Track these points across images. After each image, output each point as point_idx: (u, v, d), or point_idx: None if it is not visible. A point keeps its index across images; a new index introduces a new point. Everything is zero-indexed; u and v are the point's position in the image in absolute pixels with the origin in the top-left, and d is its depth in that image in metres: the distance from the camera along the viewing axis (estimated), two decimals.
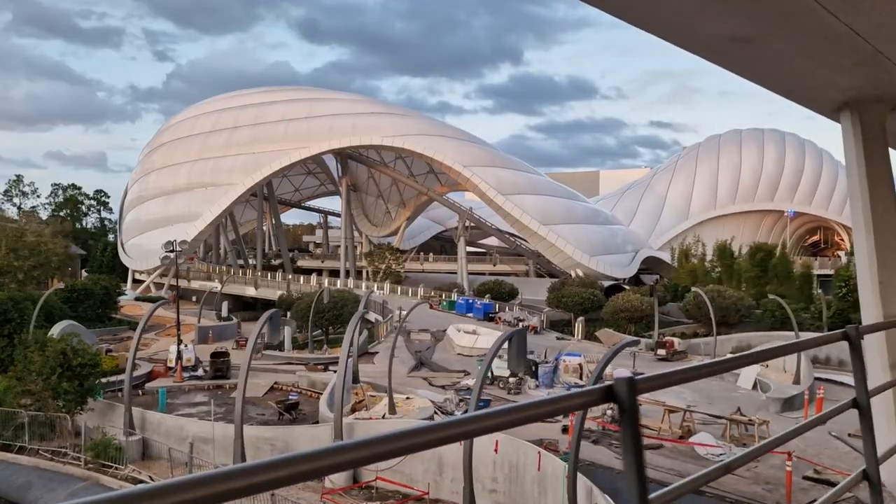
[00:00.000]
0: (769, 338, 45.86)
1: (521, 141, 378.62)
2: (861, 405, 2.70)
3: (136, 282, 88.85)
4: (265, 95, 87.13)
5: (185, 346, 37.48)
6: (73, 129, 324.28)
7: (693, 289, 43.50)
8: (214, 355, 35.88)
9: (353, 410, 27.69)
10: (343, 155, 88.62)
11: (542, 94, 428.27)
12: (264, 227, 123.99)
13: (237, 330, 59.63)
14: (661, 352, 43.63)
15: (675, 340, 44.29)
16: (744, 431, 25.49)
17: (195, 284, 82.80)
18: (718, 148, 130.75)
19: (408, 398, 28.95)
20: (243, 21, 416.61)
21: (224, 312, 62.56)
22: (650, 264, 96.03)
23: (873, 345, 5.07)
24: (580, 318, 53.42)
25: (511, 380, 32.92)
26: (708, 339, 48.63)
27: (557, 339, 53.01)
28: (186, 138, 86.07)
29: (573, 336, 53.25)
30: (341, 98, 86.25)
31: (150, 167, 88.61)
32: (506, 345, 44.12)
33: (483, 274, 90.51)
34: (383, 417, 25.48)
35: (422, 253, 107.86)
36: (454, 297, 68.40)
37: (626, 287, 75.34)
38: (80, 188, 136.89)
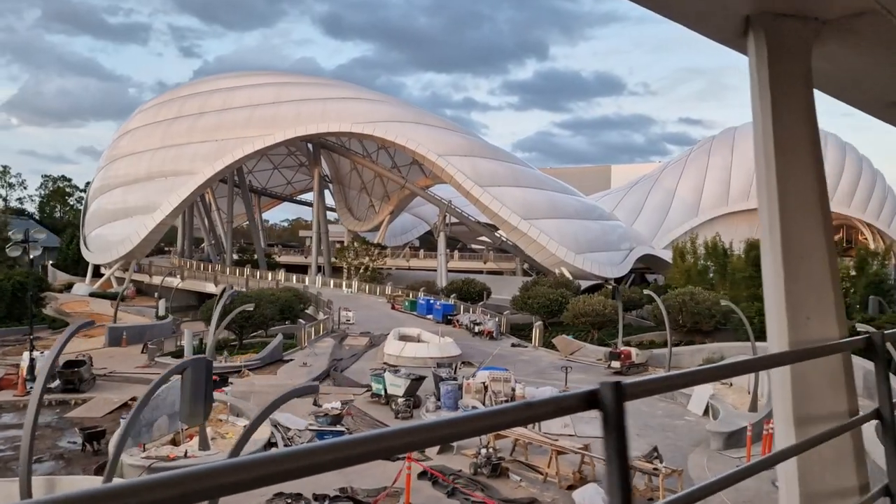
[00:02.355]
0: (745, 349, 39.63)
1: (547, 138, 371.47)
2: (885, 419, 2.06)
3: (99, 276, 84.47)
4: (235, 80, 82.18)
5: (41, 352, 32.30)
6: (105, 125, 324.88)
7: (646, 292, 37.39)
8: (66, 364, 30.65)
9: (173, 442, 22.19)
10: (315, 143, 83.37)
11: (568, 89, 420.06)
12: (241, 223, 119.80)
13: (172, 331, 54.53)
14: (615, 364, 37.56)
15: (633, 351, 38.16)
16: (649, 482, 19.48)
17: (156, 279, 78.12)
18: (733, 140, 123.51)
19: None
20: (267, 17, 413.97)
21: (161, 311, 57.55)
22: (650, 263, 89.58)
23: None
24: (538, 323, 47.46)
25: (400, 401, 27.22)
26: (679, 348, 42.42)
27: (513, 346, 47.22)
28: (152, 125, 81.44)
29: (531, 343, 47.34)
30: (313, 82, 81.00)
31: (116, 154, 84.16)
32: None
33: (480, 272, 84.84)
34: (185, 455, 19.96)
35: (408, 249, 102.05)
36: (420, 296, 62.64)
37: (610, 287, 69.01)
38: (69, 180, 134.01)
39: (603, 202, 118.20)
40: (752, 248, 61.18)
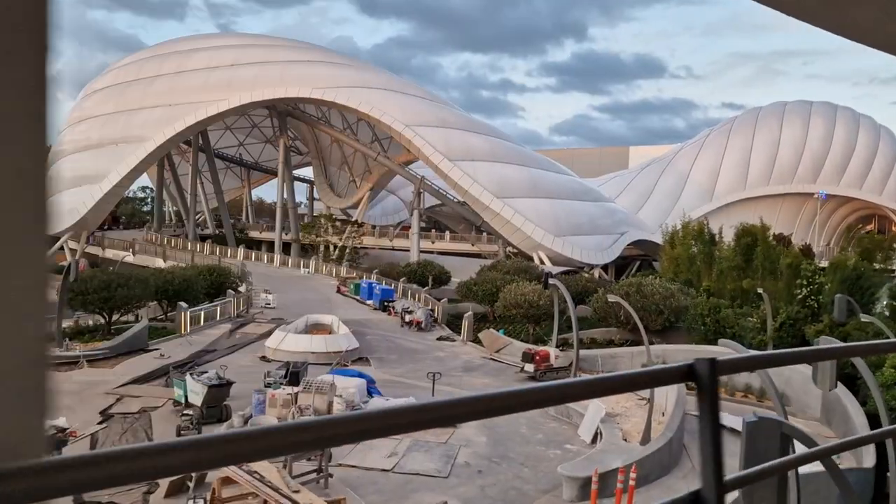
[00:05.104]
0: (695, 353, 32.76)
1: (585, 121, 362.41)
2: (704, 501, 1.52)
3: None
4: (194, 42, 76.60)
5: None
6: None
7: (551, 281, 30.73)
8: None
9: None
10: (279, 110, 77.52)
11: (607, 72, 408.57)
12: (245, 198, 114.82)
13: (74, 311, 48.90)
14: (529, 368, 31.10)
15: (552, 352, 31.60)
16: None
17: (109, 254, 73.40)
18: (756, 121, 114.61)
19: None
20: None
21: None
22: (648, 249, 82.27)
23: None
24: (468, 314, 41.09)
25: (186, 413, 21.23)
26: (619, 349, 35.79)
27: (439, 339, 40.97)
28: (111, 87, 76.43)
29: (460, 336, 41.04)
30: (275, 44, 74.91)
31: (78, 115, 79.13)
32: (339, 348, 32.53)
33: (477, 256, 78.55)
34: None
35: (392, 229, 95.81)
36: (370, 279, 56.57)
37: (587, 273, 62.28)
38: None
39: (611, 184, 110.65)
40: (746, 233, 54.07)
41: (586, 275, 60.78)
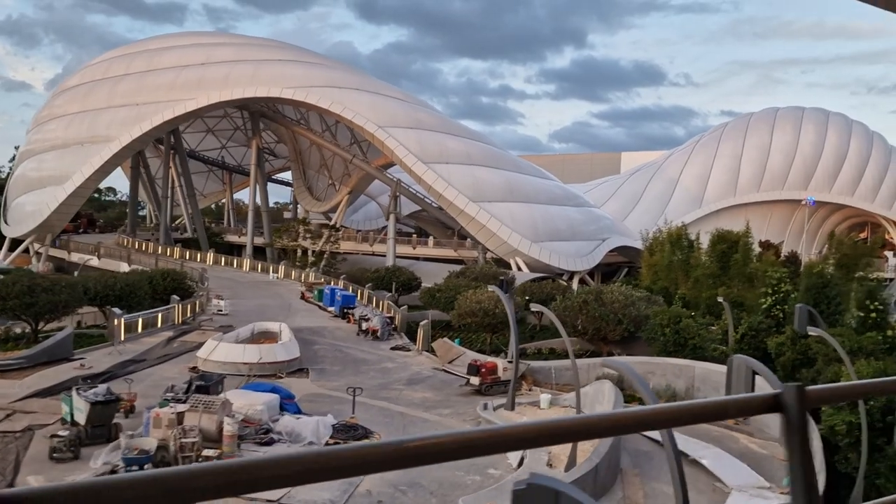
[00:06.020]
0: (654, 367, 30.78)
1: (584, 128, 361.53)
2: None
3: (25, 251, 77.90)
4: (166, 41, 74.64)
5: None
6: None
7: (491, 287, 28.71)
8: None
9: None
10: (251, 111, 75.48)
11: (606, 79, 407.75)
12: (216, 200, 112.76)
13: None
14: (475, 380, 29.00)
15: (500, 364, 29.50)
16: None
17: (75, 257, 71.30)
18: (747, 127, 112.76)
19: None
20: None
21: None
22: (631, 256, 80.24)
23: None
24: (423, 322, 38.98)
25: (61, 433, 19.08)
26: (578, 361, 33.57)
27: (393, 349, 38.85)
28: (78, 87, 74.40)
29: (415, 345, 38.93)
30: (247, 43, 72.96)
31: (47, 114, 77.05)
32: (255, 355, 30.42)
33: (459, 262, 76.55)
34: None
35: (372, 233, 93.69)
36: (336, 285, 54.49)
37: (564, 281, 60.20)
38: None
39: (600, 190, 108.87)
40: (722, 240, 52.00)
41: (563, 282, 58.72)
